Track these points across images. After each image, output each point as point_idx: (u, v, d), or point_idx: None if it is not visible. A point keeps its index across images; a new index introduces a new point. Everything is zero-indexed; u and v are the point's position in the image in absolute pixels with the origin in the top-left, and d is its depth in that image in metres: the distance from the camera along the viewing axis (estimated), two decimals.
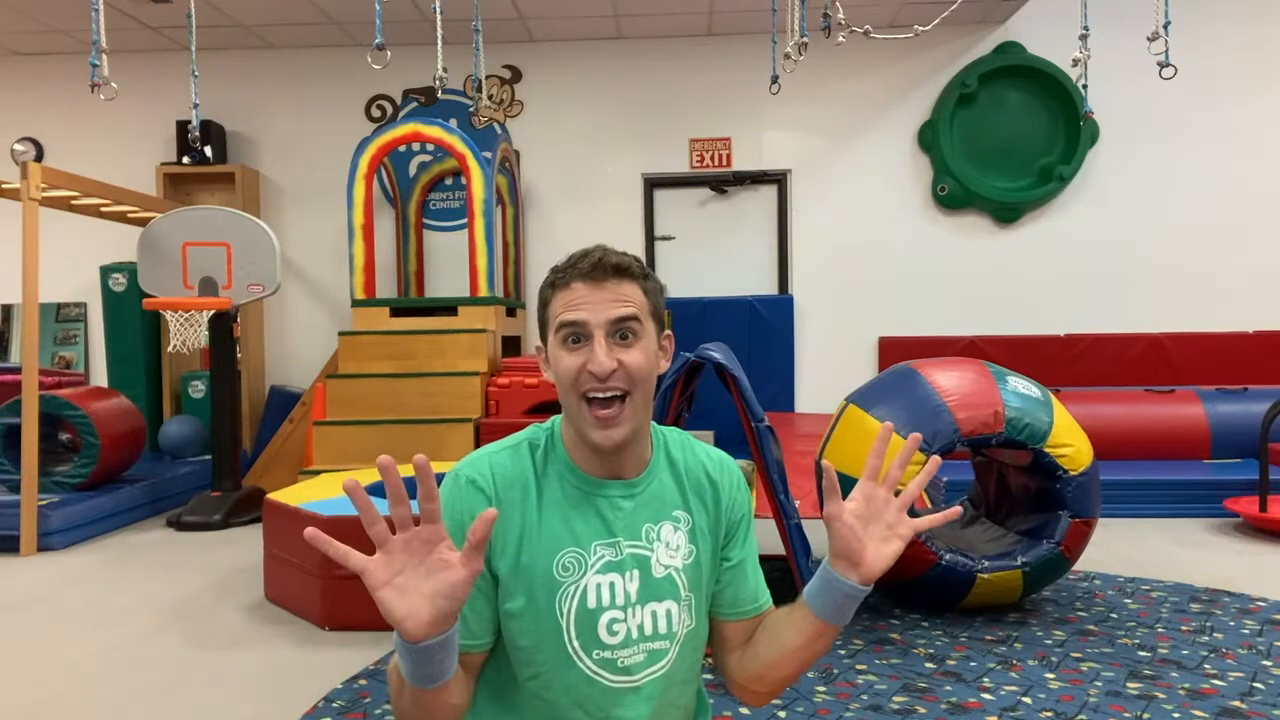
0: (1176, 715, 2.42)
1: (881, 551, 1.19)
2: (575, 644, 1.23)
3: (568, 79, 6.68)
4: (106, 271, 6.28)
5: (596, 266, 1.21)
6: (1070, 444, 3.17)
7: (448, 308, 5.60)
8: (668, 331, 1.30)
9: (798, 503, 3.81)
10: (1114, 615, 3.25)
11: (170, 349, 5.33)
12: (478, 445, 5.08)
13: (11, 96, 6.81)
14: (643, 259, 1.35)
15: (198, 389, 6.30)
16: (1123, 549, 4.16)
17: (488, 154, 5.65)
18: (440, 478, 1.22)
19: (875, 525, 1.20)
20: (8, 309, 6.81)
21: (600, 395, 1.20)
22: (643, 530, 1.28)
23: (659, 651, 1.27)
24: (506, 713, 1.28)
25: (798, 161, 6.64)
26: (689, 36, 6.63)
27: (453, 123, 6.16)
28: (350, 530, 3.67)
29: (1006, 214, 6.51)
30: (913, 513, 3.15)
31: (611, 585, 1.25)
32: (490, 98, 6.68)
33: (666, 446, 1.35)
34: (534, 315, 6.82)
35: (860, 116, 6.59)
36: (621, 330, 1.21)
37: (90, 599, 3.75)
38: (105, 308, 6.33)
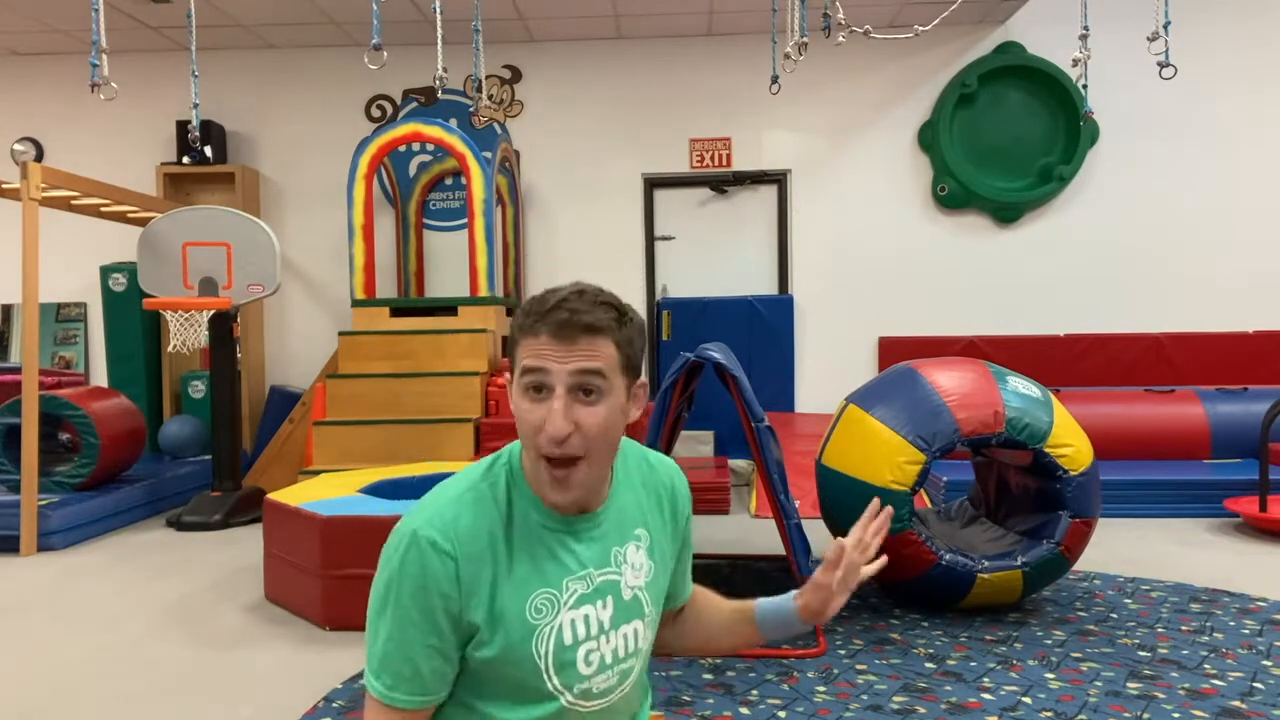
0: (1176, 715, 2.42)
1: (839, 605, 1.36)
2: (556, 681, 1.22)
3: (568, 79, 6.68)
4: (106, 271, 6.28)
5: (567, 325, 1.14)
6: (1070, 444, 3.17)
7: (448, 308, 5.60)
8: (642, 380, 1.25)
9: (798, 503, 3.81)
10: (1114, 615, 3.25)
11: (170, 349, 5.33)
12: (477, 445, 5.09)
13: (11, 96, 6.81)
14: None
15: (198, 389, 6.30)
16: (1123, 549, 4.16)
17: (488, 154, 5.66)
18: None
19: (844, 588, 1.35)
20: (8, 309, 6.81)
21: (556, 456, 1.16)
22: (611, 555, 1.27)
23: (628, 670, 1.30)
24: None
25: (798, 161, 6.64)
26: (689, 36, 6.63)
27: (453, 123, 6.16)
28: (350, 530, 3.67)
29: (1006, 214, 6.51)
30: (913, 511, 3.16)
31: (586, 618, 1.24)
32: (490, 98, 6.68)
33: (624, 463, 1.34)
34: None
35: (860, 116, 6.59)
36: (585, 386, 1.15)
37: (90, 599, 3.75)
38: (105, 308, 6.33)
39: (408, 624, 1.15)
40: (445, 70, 4.21)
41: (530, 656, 1.20)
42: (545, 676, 1.21)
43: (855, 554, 1.34)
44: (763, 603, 1.41)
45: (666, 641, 1.48)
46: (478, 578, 1.17)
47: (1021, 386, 3.26)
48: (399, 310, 5.64)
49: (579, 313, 1.15)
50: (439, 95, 5.28)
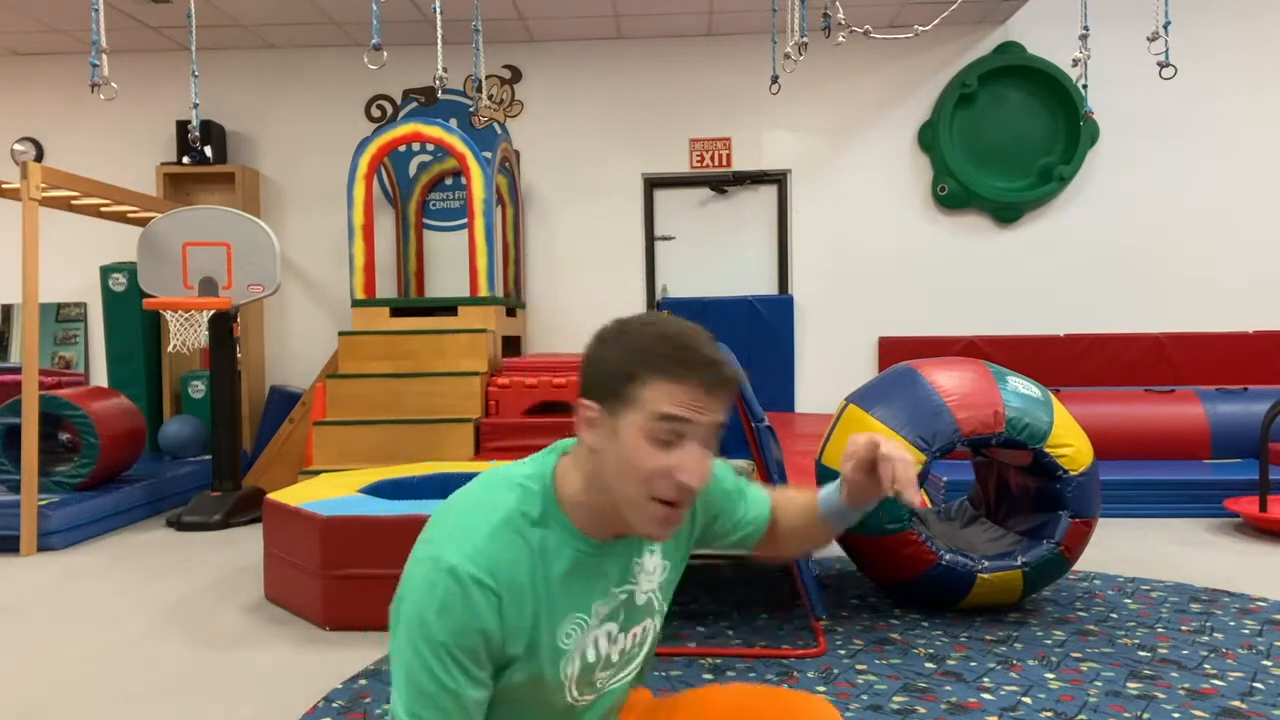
0: (1176, 715, 2.42)
1: (877, 494, 1.30)
2: (574, 693, 1.24)
3: (568, 79, 6.68)
4: (106, 271, 6.28)
5: (721, 383, 1.15)
6: (1070, 444, 3.16)
7: (448, 308, 5.60)
8: None
9: None
10: (1114, 615, 3.25)
11: (170, 349, 5.33)
12: (477, 445, 5.09)
13: (11, 96, 6.81)
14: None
15: (198, 389, 6.30)
16: (1123, 549, 4.16)
17: (488, 154, 5.66)
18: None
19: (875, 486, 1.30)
20: (8, 309, 6.81)
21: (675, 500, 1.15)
22: (631, 566, 1.28)
23: (634, 657, 1.33)
24: None
25: (798, 161, 6.64)
26: (689, 36, 6.63)
27: (453, 123, 6.16)
28: (350, 530, 3.67)
29: (1006, 214, 6.51)
30: (913, 512, 3.16)
31: (608, 633, 1.26)
32: (490, 98, 6.68)
33: None
34: (534, 315, 6.85)
35: (860, 116, 6.59)
36: (711, 439, 1.18)
37: (90, 599, 3.75)
38: (105, 308, 6.33)
39: (448, 659, 1.12)
40: (445, 70, 4.22)
41: (557, 677, 1.21)
42: (567, 692, 1.23)
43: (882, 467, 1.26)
44: (822, 499, 1.39)
45: (772, 554, 1.50)
46: (520, 613, 1.16)
47: (1021, 386, 3.25)
48: (399, 310, 5.64)
49: (725, 368, 1.16)
50: (439, 95, 5.28)
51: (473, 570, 1.12)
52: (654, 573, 1.31)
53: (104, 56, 3.92)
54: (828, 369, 6.55)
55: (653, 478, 1.13)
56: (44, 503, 4.66)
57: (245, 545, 4.58)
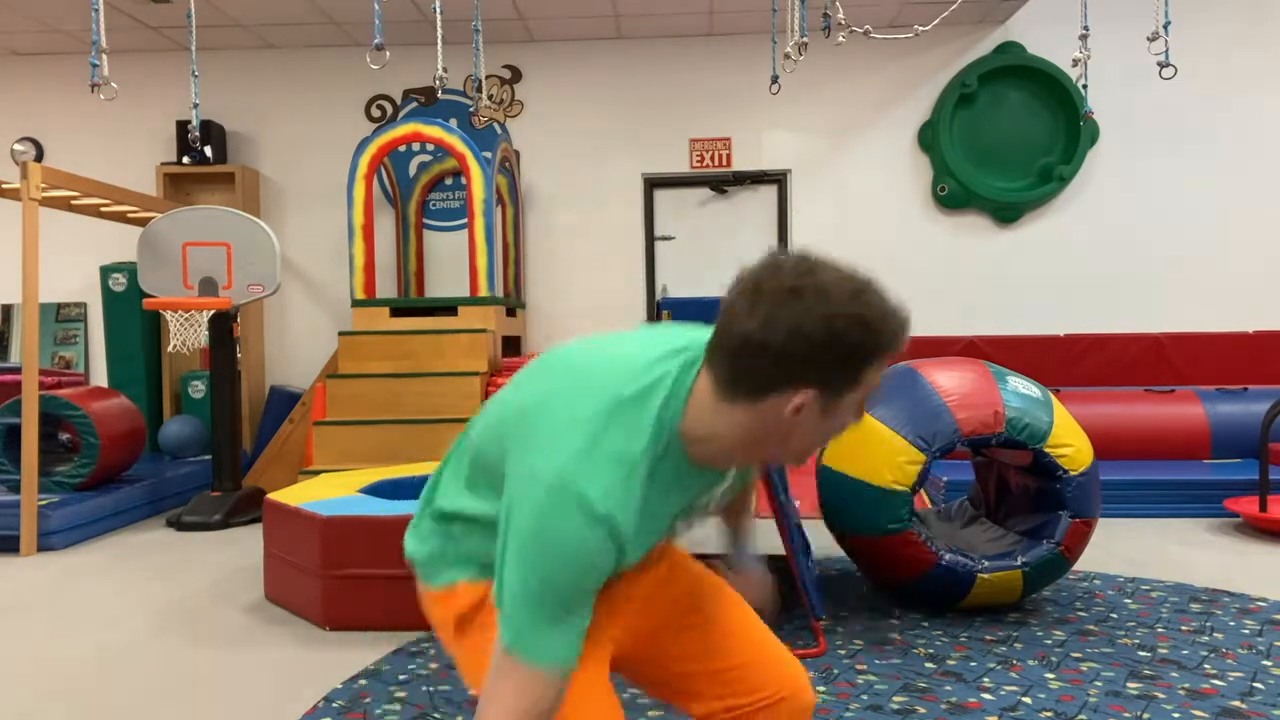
0: (1176, 715, 2.42)
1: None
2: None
3: (568, 79, 6.68)
4: (106, 271, 6.28)
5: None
6: (1070, 444, 3.17)
7: (448, 308, 5.60)
8: None
9: (797, 502, 3.81)
10: (1114, 615, 3.25)
11: (170, 349, 5.33)
12: None
13: (11, 96, 6.81)
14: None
15: (198, 389, 6.30)
16: (1123, 549, 4.16)
17: (488, 154, 5.66)
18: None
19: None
20: (8, 309, 6.81)
21: None
22: (721, 474, 1.34)
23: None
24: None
25: (798, 161, 6.64)
26: (689, 36, 6.63)
27: (453, 123, 6.16)
28: (350, 530, 3.66)
29: (1006, 214, 6.51)
30: (913, 511, 3.16)
31: (680, 525, 1.38)
32: (490, 98, 6.68)
33: None
34: (534, 315, 6.84)
35: (860, 116, 6.59)
36: None
37: (90, 599, 3.75)
38: (105, 308, 6.33)
39: (576, 591, 1.16)
40: (445, 70, 4.22)
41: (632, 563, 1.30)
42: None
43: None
44: (735, 544, 1.66)
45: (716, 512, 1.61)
46: (633, 545, 1.19)
47: (1021, 386, 3.26)
48: (399, 310, 5.64)
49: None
50: (439, 95, 5.28)
51: (610, 508, 1.13)
52: (729, 473, 1.36)
53: (104, 56, 3.93)
54: None
55: (838, 432, 1.20)
56: (44, 503, 4.66)
57: (245, 545, 4.58)
